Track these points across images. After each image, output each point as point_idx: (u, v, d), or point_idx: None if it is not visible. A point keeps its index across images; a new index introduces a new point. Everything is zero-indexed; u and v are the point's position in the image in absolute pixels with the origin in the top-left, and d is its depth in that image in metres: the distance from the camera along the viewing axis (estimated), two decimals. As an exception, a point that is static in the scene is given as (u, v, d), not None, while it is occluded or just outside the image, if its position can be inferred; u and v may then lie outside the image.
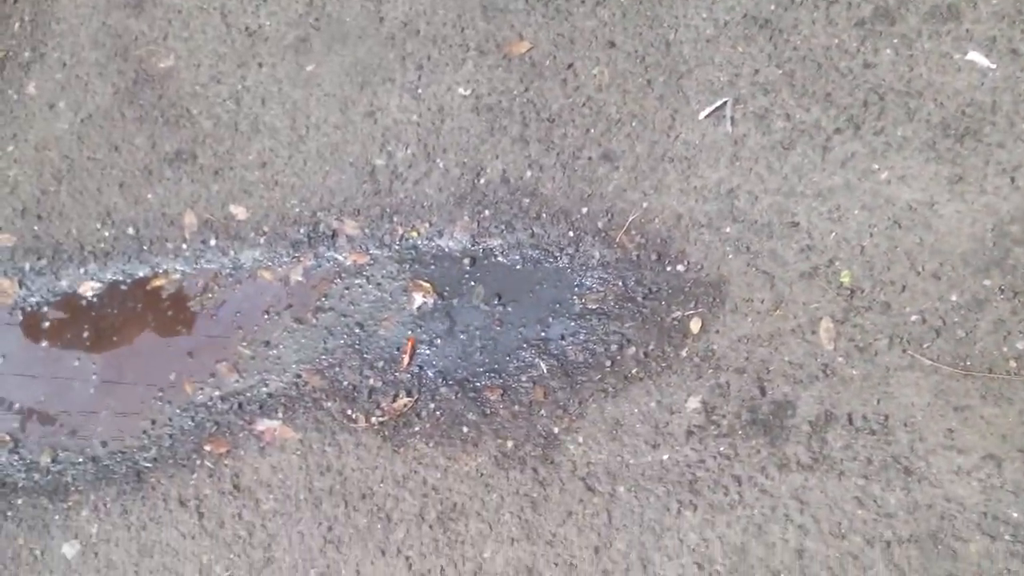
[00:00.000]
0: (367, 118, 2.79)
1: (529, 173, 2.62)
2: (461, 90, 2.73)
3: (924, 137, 2.31)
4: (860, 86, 2.39)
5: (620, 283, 2.48)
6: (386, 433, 2.46)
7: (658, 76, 2.57)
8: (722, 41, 2.53)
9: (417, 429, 2.46)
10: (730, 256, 2.40)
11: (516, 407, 2.43)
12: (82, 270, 2.86)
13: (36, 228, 2.92)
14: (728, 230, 2.42)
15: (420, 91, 2.77)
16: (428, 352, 2.56)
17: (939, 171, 2.29)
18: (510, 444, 2.38)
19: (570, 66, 2.66)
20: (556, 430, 2.37)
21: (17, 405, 2.74)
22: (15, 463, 2.68)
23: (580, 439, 2.34)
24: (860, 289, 2.27)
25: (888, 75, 2.38)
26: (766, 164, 2.42)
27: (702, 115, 2.50)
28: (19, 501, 2.60)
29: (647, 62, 2.59)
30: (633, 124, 2.56)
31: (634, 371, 2.39)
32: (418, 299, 2.61)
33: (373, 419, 2.48)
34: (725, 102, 2.48)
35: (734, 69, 2.50)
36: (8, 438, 2.71)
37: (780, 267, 2.36)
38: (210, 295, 2.76)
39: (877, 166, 2.33)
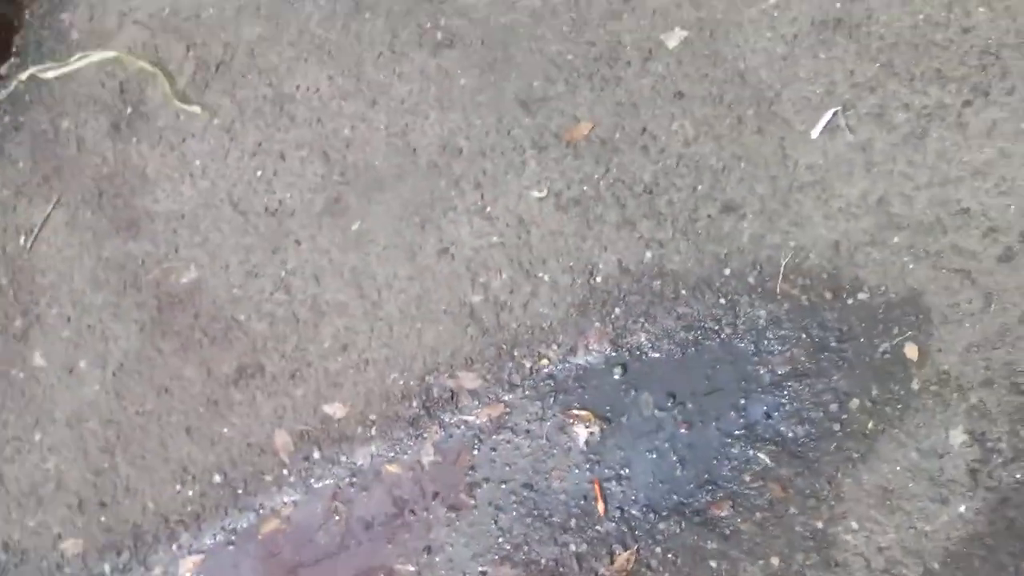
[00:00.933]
0: (442, 257, 2.46)
1: (649, 254, 2.33)
2: (535, 193, 2.45)
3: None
4: (969, 52, 2.22)
5: (803, 335, 2.17)
6: (620, 602, 2.02)
7: (746, 110, 2.35)
8: (799, 55, 2.34)
9: (654, 583, 2.03)
10: (911, 266, 2.13)
11: (757, 515, 2.04)
12: (174, 546, 2.36)
13: (103, 519, 2.43)
14: (896, 240, 2.16)
15: (489, 209, 2.48)
16: (621, 488, 2.17)
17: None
18: (776, 561, 1.98)
19: (644, 130, 2.42)
20: (820, 525, 1.99)
21: None
22: None
23: (854, 525, 1.96)
24: (1076, 249, 2.03)
25: (992, 32, 2.21)
26: (906, 160, 2.20)
27: (815, 133, 2.28)
28: None
29: (727, 100, 2.37)
30: (742, 166, 2.32)
31: (870, 425, 2.05)
32: (582, 433, 2.23)
33: (598, 590, 2.05)
34: (835, 112, 2.27)
35: (826, 78, 2.31)
36: None
37: (971, 260, 2.10)
38: (337, 516, 2.30)
39: (1025, 121, 2.13)
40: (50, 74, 3.11)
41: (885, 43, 2.29)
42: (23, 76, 3.17)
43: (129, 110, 2.97)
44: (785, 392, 2.14)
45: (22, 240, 2.94)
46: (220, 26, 2.89)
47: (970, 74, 2.20)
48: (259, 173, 2.73)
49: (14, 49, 3.34)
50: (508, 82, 2.56)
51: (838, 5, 2.35)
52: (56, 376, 2.63)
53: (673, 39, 2.46)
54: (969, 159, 2.15)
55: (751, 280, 2.25)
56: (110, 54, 3.07)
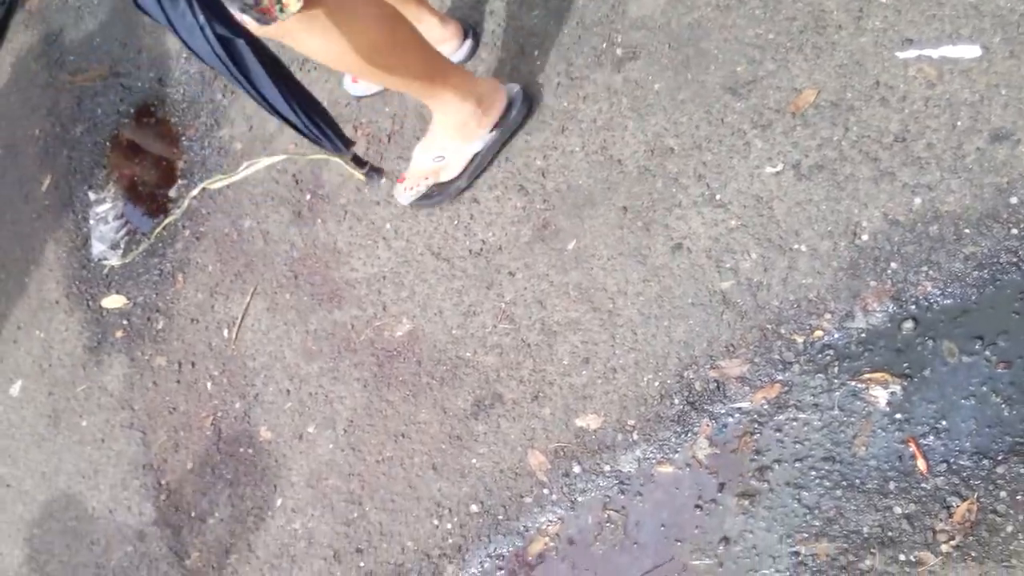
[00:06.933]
0: (677, 253, 2.82)
1: (917, 200, 2.60)
2: (769, 169, 2.81)
3: None
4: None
5: (1118, 243, 2.36)
6: (973, 553, 2.14)
7: (991, 39, 2.69)
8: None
9: (1011, 529, 2.14)
10: None
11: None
12: (441, 584, 2.65)
13: (361, 564, 2.77)
14: None
15: (719, 196, 2.84)
16: (942, 442, 2.32)
17: None
18: None
19: (877, 84, 2.77)
20: None
21: None
22: None
23: None
24: None
25: None
26: None
27: (1071, 39, 2.58)
28: None
29: (962, 34, 2.73)
30: (1003, 92, 2.60)
31: None
32: (880, 395, 2.43)
33: (944, 546, 2.17)
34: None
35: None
36: None
37: None
38: (612, 524, 2.54)
39: None
40: (220, 184, 3.83)
41: None
42: (194, 192, 3.91)
43: (308, 196, 3.60)
44: (1113, 305, 2.31)
45: (226, 333, 3.51)
46: (383, 101, 3.54)
47: None
48: (455, 221, 3.23)
49: (178, 172, 4.14)
50: (708, 75, 3.00)
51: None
52: (286, 445, 3.07)
53: (886, -9, 2.86)
54: None
55: (1042, 201, 2.48)
56: (278, 157, 3.76)
